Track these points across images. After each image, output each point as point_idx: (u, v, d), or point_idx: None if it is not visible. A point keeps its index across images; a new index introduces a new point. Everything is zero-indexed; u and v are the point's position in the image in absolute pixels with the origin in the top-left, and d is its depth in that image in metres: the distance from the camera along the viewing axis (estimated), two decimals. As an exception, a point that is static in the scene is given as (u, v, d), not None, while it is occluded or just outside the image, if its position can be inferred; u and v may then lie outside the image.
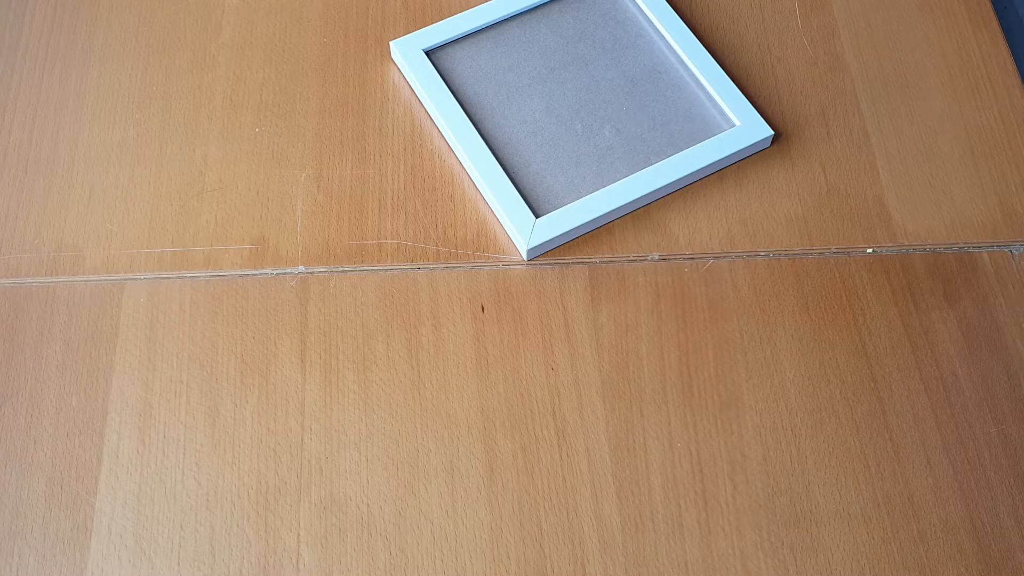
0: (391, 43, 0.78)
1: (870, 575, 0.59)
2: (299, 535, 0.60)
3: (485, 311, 0.68)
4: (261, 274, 0.69)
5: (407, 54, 0.77)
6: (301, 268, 0.69)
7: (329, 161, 0.74)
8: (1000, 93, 0.78)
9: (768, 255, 0.70)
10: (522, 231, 0.69)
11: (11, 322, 0.67)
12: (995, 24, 0.81)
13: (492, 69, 0.77)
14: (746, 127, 0.74)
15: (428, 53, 0.77)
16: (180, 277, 0.69)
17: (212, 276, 0.69)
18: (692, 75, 0.77)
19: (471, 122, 0.74)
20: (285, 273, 0.69)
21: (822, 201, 0.73)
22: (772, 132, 0.74)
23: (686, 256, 0.70)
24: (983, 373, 0.66)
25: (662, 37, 0.79)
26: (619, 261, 0.70)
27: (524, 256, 0.69)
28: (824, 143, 0.75)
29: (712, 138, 0.73)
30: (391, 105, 0.77)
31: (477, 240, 0.71)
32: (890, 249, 0.71)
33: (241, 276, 0.69)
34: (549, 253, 0.70)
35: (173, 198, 0.72)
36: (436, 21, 0.80)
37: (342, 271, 0.69)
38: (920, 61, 0.79)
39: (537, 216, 0.70)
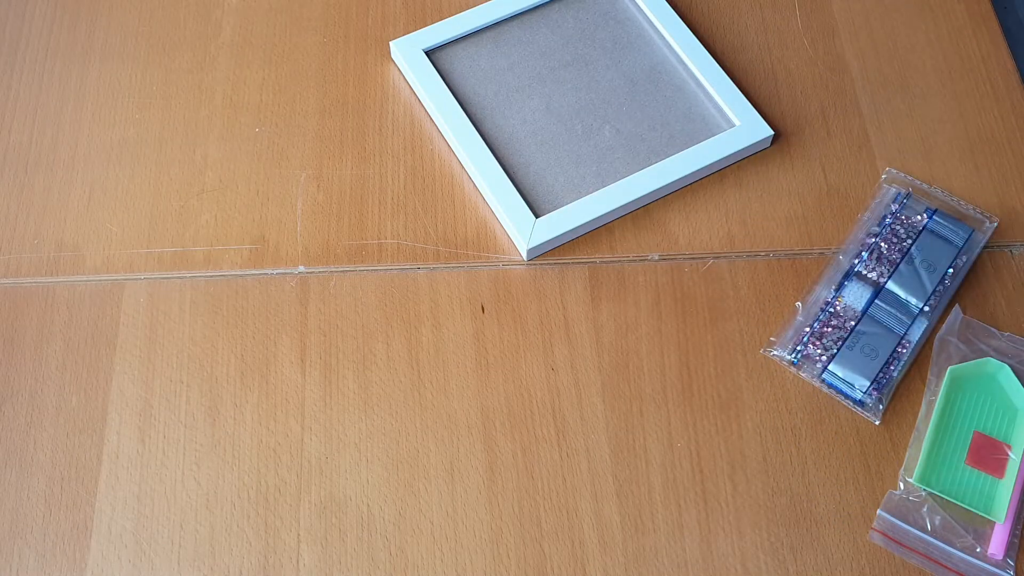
0: (391, 43, 0.78)
1: (870, 575, 0.59)
2: (299, 535, 0.60)
3: (485, 311, 0.68)
4: (261, 274, 0.69)
5: (407, 54, 0.77)
6: (301, 268, 0.69)
7: (329, 161, 0.74)
8: (1000, 93, 0.78)
9: (768, 255, 0.70)
10: (522, 231, 0.69)
11: (11, 322, 0.67)
12: (995, 24, 0.81)
13: (492, 69, 0.77)
14: (746, 127, 0.74)
15: (428, 53, 0.77)
16: (180, 277, 0.69)
17: (212, 276, 0.69)
18: (692, 75, 0.77)
19: (471, 122, 0.74)
20: (285, 273, 0.69)
21: (822, 201, 0.73)
22: (772, 132, 0.74)
23: (686, 256, 0.70)
24: (983, 373, 0.66)
25: (662, 37, 0.79)
26: (619, 261, 0.70)
27: (524, 256, 0.69)
28: (824, 143, 0.75)
29: (712, 138, 0.73)
30: (391, 105, 0.77)
31: (477, 240, 0.71)
32: (890, 249, 0.71)
33: (241, 276, 0.69)
34: (549, 253, 0.70)
35: (173, 198, 0.72)
36: (436, 21, 0.80)
37: (342, 271, 0.69)
38: (920, 61, 0.79)
39: (537, 216, 0.70)
